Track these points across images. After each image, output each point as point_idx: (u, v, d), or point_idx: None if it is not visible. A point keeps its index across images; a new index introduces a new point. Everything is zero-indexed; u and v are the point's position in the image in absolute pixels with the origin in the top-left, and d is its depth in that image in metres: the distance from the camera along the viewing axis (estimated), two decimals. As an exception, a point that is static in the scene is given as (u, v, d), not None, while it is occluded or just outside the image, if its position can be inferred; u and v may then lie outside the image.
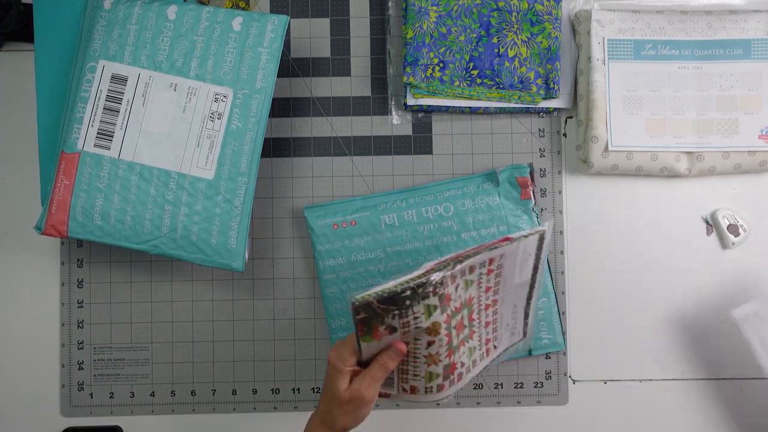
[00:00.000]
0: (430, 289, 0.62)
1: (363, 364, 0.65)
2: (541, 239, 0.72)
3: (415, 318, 0.62)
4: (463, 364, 0.68)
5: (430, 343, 0.64)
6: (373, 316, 0.62)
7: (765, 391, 0.85)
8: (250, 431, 0.85)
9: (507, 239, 0.69)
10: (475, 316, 0.70)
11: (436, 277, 0.62)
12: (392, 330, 0.63)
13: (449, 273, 0.63)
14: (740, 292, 0.85)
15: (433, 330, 0.63)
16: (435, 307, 0.63)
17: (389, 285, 0.62)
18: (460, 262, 0.64)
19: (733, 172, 0.84)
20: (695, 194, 0.86)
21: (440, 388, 0.67)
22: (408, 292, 0.61)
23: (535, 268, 0.74)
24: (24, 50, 0.85)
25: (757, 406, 0.85)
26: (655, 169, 0.83)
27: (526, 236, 0.70)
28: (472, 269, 0.67)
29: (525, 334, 0.78)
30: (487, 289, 0.70)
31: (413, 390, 0.67)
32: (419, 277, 0.62)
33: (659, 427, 0.85)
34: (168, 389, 0.85)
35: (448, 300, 0.65)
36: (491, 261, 0.68)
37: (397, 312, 0.62)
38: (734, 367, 0.85)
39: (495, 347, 0.74)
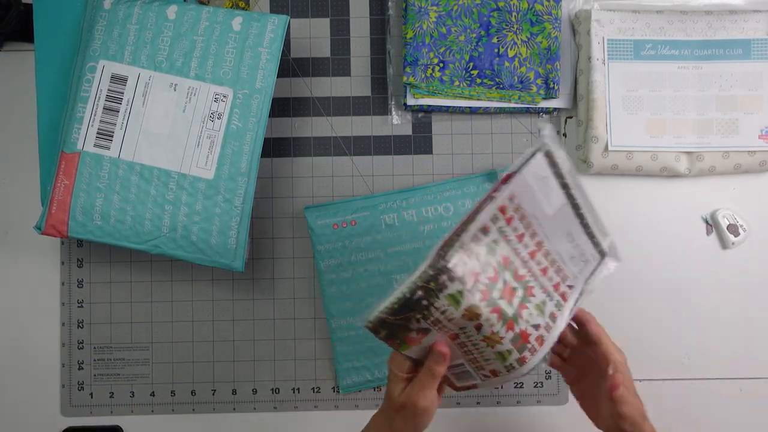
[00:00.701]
0: (445, 277, 0.54)
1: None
2: (549, 155, 0.61)
3: (443, 312, 0.56)
4: (537, 326, 0.61)
5: (478, 327, 0.57)
6: (396, 329, 0.57)
7: (765, 391, 0.85)
8: (250, 431, 0.85)
9: (506, 178, 0.59)
10: (522, 271, 0.61)
11: (447, 263, 0.54)
12: (426, 331, 0.57)
13: (460, 249, 0.55)
14: (740, 292, 0.85)
15: (472, 314, 0.56)
16: (460, 293, 0.55)
17: (398, 291, 0.55)
18: (465, 231, 0.56)
19: (733, 172, 0.84)
20: (695, 194, 0.86)
21: (522, 360, 0.60)
22: (420, 293, 0.54)
23: (565, 186, 0.62)
24: (24, 50, 0.85)
25: (757, 406, 0.85)
26: (655, 169, 0.83)
27: (525, 163, 0.60)
28: (486, 230, 0.58)
29: (603, 253, 0.67)
30: (520, 237, 0.60)
31: (495, 373, 0.62)
32: (427, 269, 0.54)
33: (659, 427, 0.85)
34: (168, 389, 0.85)
35: (475, 276, 0.56)
36: (503, 209, 0.59)
37: (419, 316, 0.55)
38: (734, 367, 0.85)
39: (570, 287, 0.65)
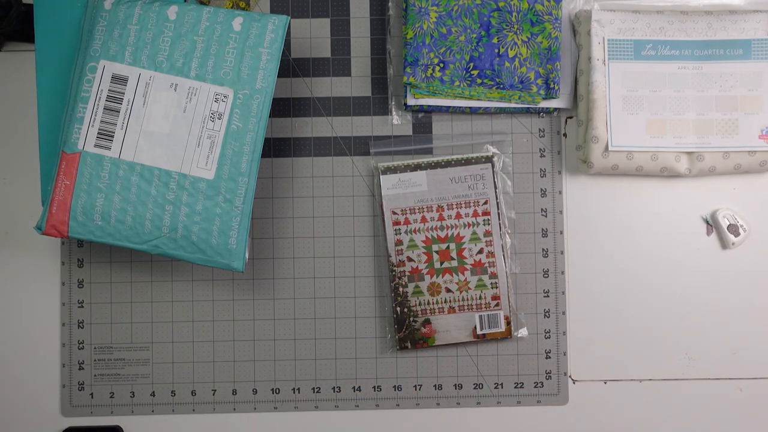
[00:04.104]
0: (401, 289, 0.82)
1: None
2: (384, 171, 0.84)
3: (420, 303, 0.84)
4: (481, 250, 0.83)
5: (447, 290, 0.83)
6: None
7: (765, 391, 0.85)
8: (250, 431, 0.85)
9: (380, 206, 0.85)
10: (443, 233, 0.83)
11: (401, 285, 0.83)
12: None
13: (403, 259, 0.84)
14: (740, 292, 0.85)
15: (434, 289, 0.83)
16: (417, 286, 0.83)
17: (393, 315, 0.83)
18: (389, 256, 0.83)
19: (733, 172, 0.84)
20: (695, 194, 0.86)
21: (493, 275, 0.83)
22: (399, 308, 0.83)
23: (415, 167, 0.84)
24: (24, 50, 0.85)
25: (757, 406, 0.85)
26: (655, 169, 0.83)
27: (379, 190, 0.84)
28: (398, 242, 0.84)
29: (488, 159, 0.84)
30: (423, 219, 0.83)
31: (496, 298, 0.83)
32: (394, 298, 0.83)
33: (659, 427, 0.85)
34: (168, 389, 0.85)
35: (417, 270, 0.83)
36: (396, 222, 0.84)
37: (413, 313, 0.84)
38: (734, 367, 0.85)
39: (486, 201, 0.83)
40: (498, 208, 0.84)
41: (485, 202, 0.84)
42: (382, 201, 0.84)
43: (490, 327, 0.83)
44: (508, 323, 0.83)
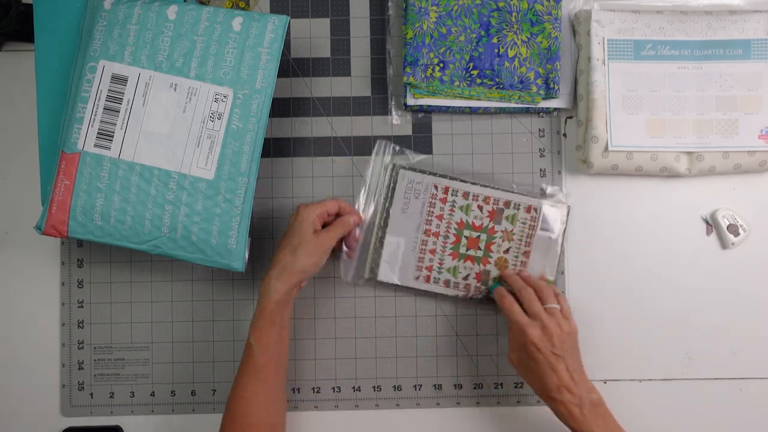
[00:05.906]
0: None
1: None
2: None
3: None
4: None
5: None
6: None
7: (765, 391, 0.85)
8: (250, 431, 0.85)
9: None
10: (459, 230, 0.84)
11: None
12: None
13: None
14: (740, 292, 0.85)
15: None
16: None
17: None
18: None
19: (733, 172, 0.84)
20: (695, 194, 0.86)
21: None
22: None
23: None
24: (24, 50, 0.85)
25: (757, 406, 0.85)
26: (655, 169, 0.83)
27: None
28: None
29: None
30: (432, 233, 0.84)
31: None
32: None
33: (659, 427, 0.85)
34: (168, 389, 0.85)
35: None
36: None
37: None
38: (734, 367, 0.85)
39: (463, 180, 0.83)
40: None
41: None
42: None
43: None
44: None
